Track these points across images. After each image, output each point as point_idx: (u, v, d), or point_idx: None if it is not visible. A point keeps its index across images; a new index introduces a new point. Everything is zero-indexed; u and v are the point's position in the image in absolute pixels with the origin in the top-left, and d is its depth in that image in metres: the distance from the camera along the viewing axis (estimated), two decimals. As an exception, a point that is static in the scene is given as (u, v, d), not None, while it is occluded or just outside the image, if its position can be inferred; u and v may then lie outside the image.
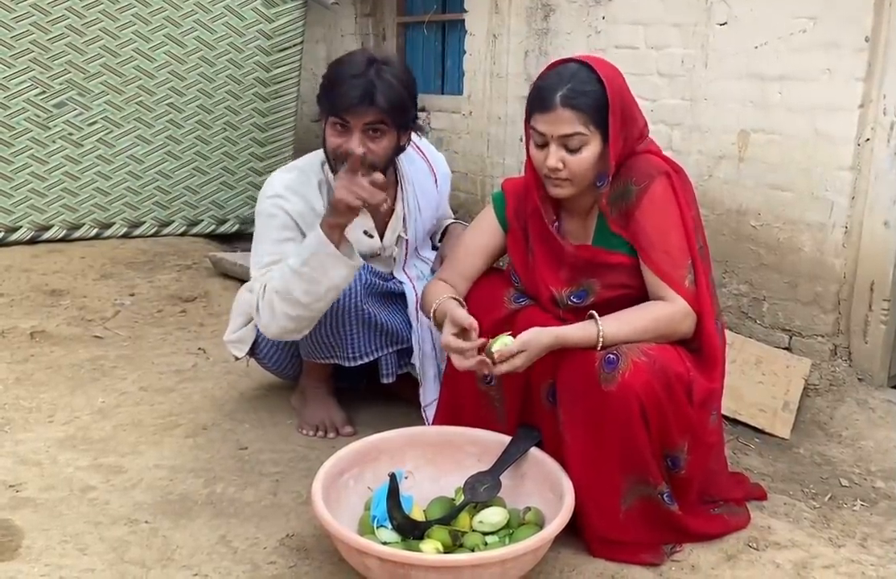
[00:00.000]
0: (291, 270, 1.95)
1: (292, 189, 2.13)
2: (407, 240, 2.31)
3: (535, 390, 1.84)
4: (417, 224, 2.33)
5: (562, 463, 1.75)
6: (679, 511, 1.76)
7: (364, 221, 2.21)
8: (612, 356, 1.68)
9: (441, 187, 2.43)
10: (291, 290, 1.95)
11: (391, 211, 2.27)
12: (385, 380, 2.31)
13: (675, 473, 1.76)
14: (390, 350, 2.28)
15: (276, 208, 2.11)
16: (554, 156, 1.76)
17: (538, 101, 1.77)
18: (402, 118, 2.08)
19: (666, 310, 1.76)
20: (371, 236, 2.24)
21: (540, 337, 1.72)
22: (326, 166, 2.18)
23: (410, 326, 2.29)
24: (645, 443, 1.68)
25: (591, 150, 1.76)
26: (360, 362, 2.24)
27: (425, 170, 2.38)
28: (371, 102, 1.99)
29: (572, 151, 1.75)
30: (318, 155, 2.21)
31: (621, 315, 1.76)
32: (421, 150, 2.39)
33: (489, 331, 1.83)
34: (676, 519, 1.76)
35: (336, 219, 1.90)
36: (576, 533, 1.77)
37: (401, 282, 2.31)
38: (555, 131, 1.75)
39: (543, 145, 1.79)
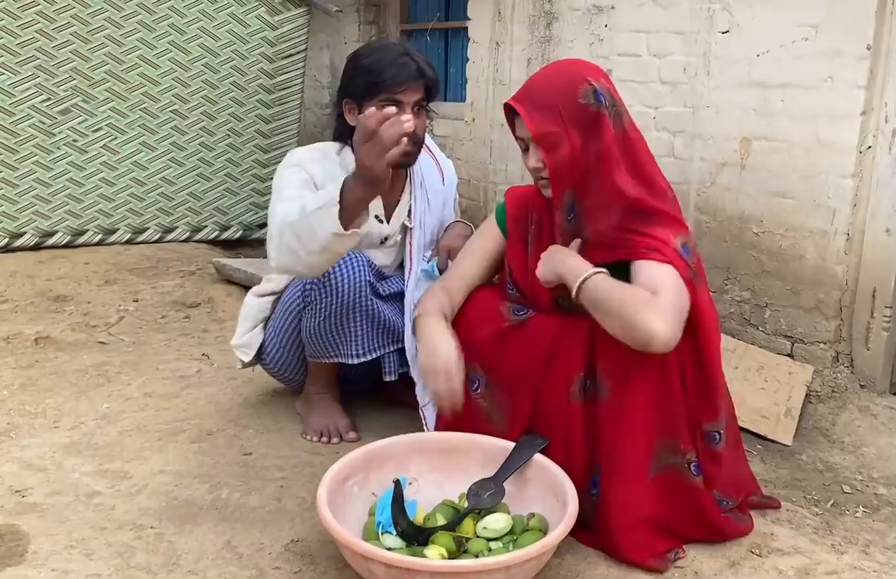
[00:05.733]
0: (303, 211, 1.87)
1: (315, 160, 2.21)
2: (412, 229, 2.33)
3: (561, 386, 1.83)
4: (425, 216, 2.37)
5: (590, 445, 1.77)
6: (702, 484, 1.78)
7: (376, 207, 2.27)
8: None
9: (447, 186, 2.46)
10: (298, 229, 1.87)
11: (398, 199, 2.32)
12: (388, 378, 2.33)
13: (711, 447, 1.79)
14: (392, 348, 2.31)
15: (299, 169, 2.17)
16: (533, 157, 1.83)
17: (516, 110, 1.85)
18: (433, 98, 2.22)
19: (648, 302, 1.65)
20: (382, 221, 2.30)
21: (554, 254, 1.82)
22: (345, 152, 2.25)
23: None
24: (679, 400, 1.72)
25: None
26: (363, 359, 2.26)
27: (433, 166, 2.44)
28: (421, 79, 2.14)
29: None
30: (333, 145, 2.29)
31: (612, 280, 1.72)
32: (429, 149, 2.43)
33: (487, 343, 1.90)
34: (697, 493, 1.77)
35: (363, 193, 1.79)
36: (580, 540, 1.78)
37: (401, 280, 2.34)
38: (528, 133, 1.82)
39: (526, 149, 1.86)
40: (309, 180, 2.15)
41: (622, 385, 1.75)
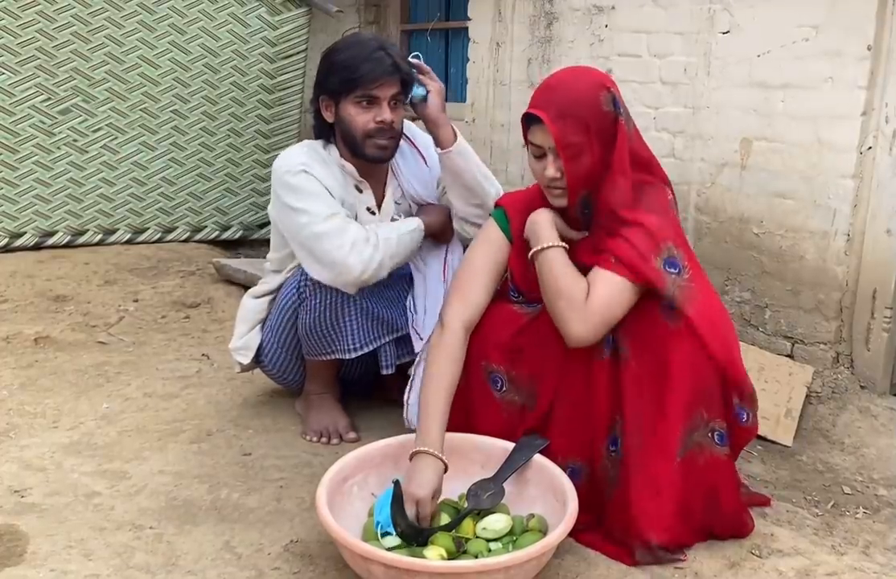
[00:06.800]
0: (405, 231, 2.21)
1: (312, 161, 2.21)
2: (398, 220, 2.34)
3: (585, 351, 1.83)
4: (413, 209, 2.39)
5: (614, 402, 1.79)
6: (725, 455, 1.80)
7: (367, 199, 2.30)
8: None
9: (433, 168, 2.42)
10: (396, 250, 2.18)
11: (383, 193, 2.35)
12: (385, 371, 2.33)
13: (740, 425, 1.81)
14: (388, 339, 2.31)
15: (310, 177, 2.17)
16: (553, 166, 1.80)
17: (531, 115, 1.81)
18: (409, 91, 2.22)
19: (578, 305, 1.77)
20: (374, 213, 2.31)
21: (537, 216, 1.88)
22: (330, 151, 2.27)
23: (405, 316, 2.34)
24: (710, 374, 1.75)
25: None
26: (360, 352, 2.26)
27: (414, 154, 2.43)
28: (397, 74, 2.15)
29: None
30: (316, 142, 2.29)
31: (563, 262, 1.82)
32: (409, 138, 2.43)
33: (508, 342, 1.91)
34: (722, 464, 1.79)
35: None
36: (580, 540, 1.78)
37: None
38: (549, 142, 1.78)
39: (541, 157, 1.82)
40: (324, 188, 2.17)
41: (645, 351, 1.78)
